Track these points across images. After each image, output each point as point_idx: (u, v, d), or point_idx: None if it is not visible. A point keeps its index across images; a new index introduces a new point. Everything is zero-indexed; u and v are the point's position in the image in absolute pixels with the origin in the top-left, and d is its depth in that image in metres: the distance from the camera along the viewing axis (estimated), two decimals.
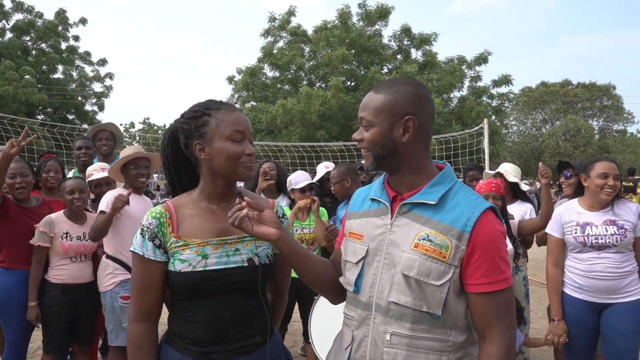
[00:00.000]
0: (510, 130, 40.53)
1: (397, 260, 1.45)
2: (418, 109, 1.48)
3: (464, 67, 20.44)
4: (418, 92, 1.50)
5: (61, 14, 22.23)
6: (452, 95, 21.01)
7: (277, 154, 14.00)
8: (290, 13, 21.08)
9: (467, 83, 20.70)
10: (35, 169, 4.02)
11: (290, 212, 4.03)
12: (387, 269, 1.48)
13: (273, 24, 21.25)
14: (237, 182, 1.72)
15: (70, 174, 4.67)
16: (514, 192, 4.39)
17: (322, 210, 4.15)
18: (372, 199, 1.61)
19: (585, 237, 3.14)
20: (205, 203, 1.69)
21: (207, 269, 1.59)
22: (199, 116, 1.67)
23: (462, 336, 1.45)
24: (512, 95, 23.76)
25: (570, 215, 3.26)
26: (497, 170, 4.51)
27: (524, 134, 42.15)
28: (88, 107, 23.17)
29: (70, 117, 22.47)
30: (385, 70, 21.29)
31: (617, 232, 3.08)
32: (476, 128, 10.38)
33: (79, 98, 22.39)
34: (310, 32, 21.35)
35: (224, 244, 1.63)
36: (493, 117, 20.80)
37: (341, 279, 1.63)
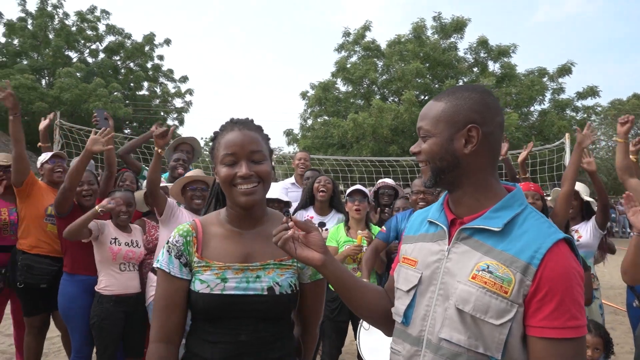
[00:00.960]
0: (597, 145, 38.04)
1: (451, 291, 1.28)
2: (483, 117, 1.30)
3: (545, 79, 19.47)
4: (484, 99, 1.32)
5: (149, 36, 23.71)
6: (532, 108, 20.06)
7: (348, 169, 13.92)
8: (366, 28, 21.13)
9: (548, 96, 19.68)
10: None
11: (341, 252, 3.82)
12: (442, 300, 1.30)
13: (347, 39, 21.38)
14: (242, 208, 1.59)
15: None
16: (585, 212, 4.13)
17: (375, 227, 4.02)
18: (430, 222, 1.44)
19: None
20: (229, 226, 1.64)
21: (224, 292, 1.53)
22: (212, 139, 1.66)
23: None
24: (599, 108, 22.28)
25: None
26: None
27: (614, 149, 39.38)
28: (170, 122, 24.43)
29: None
30: (461, 83, 20.72)
31: None
32: (557, 143, 9.75)
33: (162, 113, 23.66)
34: (383, 46, 21.26)
35: (245, 270, 1.57)
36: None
37: (392, 309, 1.48)
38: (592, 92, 19.22)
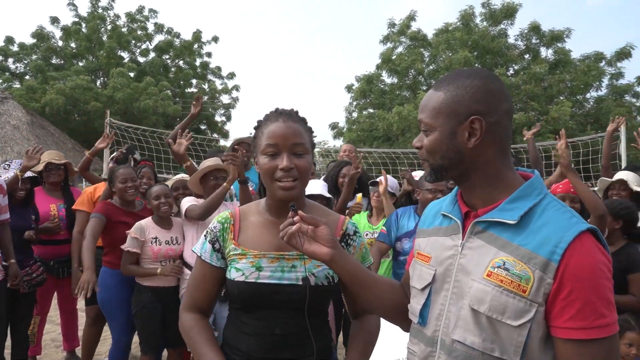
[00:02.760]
0: None
1: (466, 290, 1.20)
2: (487, 107, 1.21)
3: (602, 64, 18.50)
4: (487, 86, 1.23)
5: (197, 34, 24.21)
6: (587, 95, 19.13)
7: (391, 162, 13.75)
8: (411, 17, 20.70)
9: (605, 81, 18.69)
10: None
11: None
12: (456, 299, 1.23)
13: (392, 29, 21.05)
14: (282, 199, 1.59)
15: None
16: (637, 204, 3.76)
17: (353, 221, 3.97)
18: (444, 215, 1.37)
19: None
20: (267, 215, 1.66)
21: (258, 281, 1.55)
22: (255, 128, 1.65)
23: None
24: None
25: None
26: (617, 178, 3.91)
27: None
28: (217, 118, 24.91)
29: (202, 127, 24.30)
30: (512, 71, 20.02)
31: None
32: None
33: (210, 109, 24.14)
34: (430, 35, 20.81)
35: (280, 259, 1.57)
36: (639, 118, 18.52)
37: (409, 306, 1.42)
38: None
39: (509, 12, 19.41)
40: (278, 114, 1.60)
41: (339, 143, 22.36)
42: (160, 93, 20.27)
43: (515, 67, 20.13)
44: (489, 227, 1.22)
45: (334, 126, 22.85)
